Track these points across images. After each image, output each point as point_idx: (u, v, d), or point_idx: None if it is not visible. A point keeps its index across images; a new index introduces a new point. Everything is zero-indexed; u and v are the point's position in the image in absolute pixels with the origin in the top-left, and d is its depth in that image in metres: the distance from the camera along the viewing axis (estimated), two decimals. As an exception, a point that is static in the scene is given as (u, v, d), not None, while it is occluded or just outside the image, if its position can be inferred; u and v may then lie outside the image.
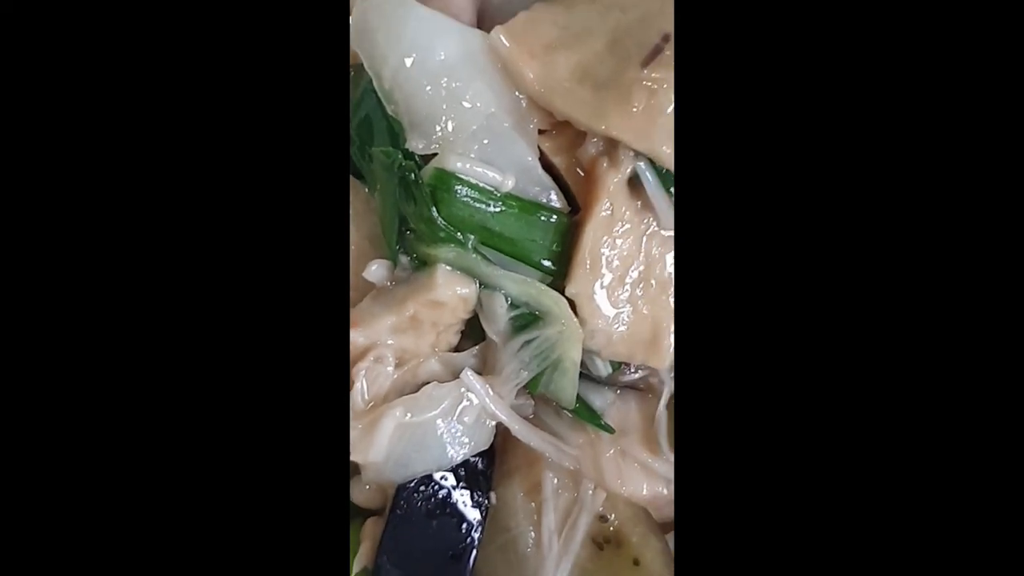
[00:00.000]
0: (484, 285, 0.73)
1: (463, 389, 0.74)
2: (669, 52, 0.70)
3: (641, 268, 0.73)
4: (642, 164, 0.71)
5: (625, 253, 0.72)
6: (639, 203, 0.72)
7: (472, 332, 0.77)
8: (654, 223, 0.73)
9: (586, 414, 0.77)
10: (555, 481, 0.77)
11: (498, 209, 0.72)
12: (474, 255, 0.72)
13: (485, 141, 0.72)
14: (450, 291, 0.73)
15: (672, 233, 0.73)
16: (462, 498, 0.76)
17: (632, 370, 0.78)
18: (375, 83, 0.74)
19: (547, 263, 0.74)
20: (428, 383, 0.75)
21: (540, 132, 0.75)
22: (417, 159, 0.73)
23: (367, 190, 0.78)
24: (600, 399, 0.79)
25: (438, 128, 0.72)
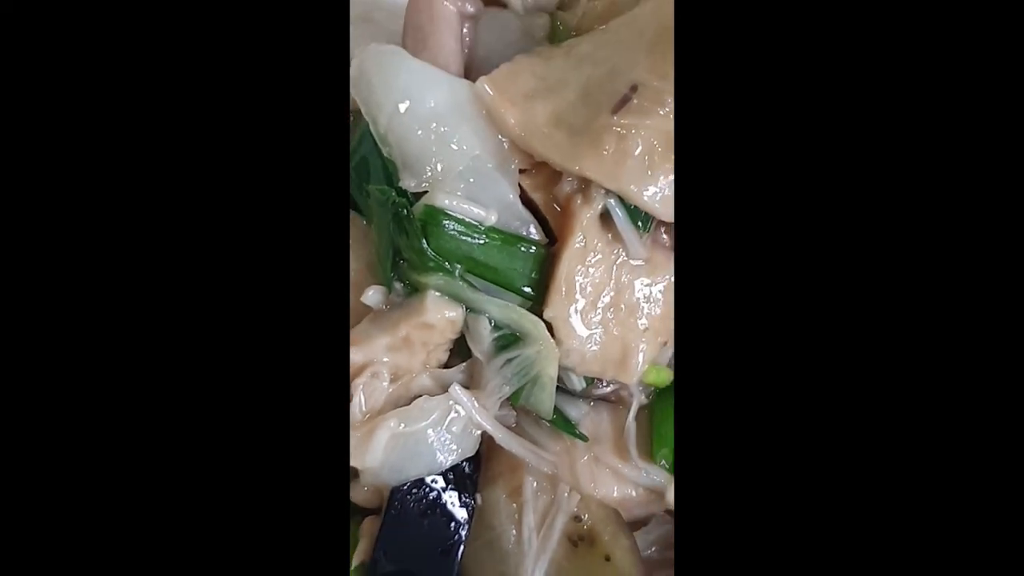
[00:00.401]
0: (470, 309, 0.76)
1: (451, 402, 0.76)
2: (636, 101, 0.72)
3: (612, 294, 0.75)
4: (612, 201, 0.73)
5: (597, 280, 0.75)
6: (610, 235, 0.75)
7: (459, 351, 0.79)
8: (623, 254, 0.75)
9: (562, 424, 0.79)
10: (534, 484, 0.79)
11: (482, 241, 0.75)
12: (461, 282, 0.75)
13: (471, 180, 0.75)
14: (439, 315, 0.75)
15: (640, 262, 0.75)
16: (451, 499, 0.78)
17: (604, 385, 0.79)
18: (371, 127, 0.76)
19: (527, 289, 0.76)
20: (420, 396, 0.77)
21: (520, 172, 0.77)
22: (409, 196, 0.75)
23: (364, 223, 0.81)
24: (575, 410, 0.80)
25: (428, 168, 0.75)
